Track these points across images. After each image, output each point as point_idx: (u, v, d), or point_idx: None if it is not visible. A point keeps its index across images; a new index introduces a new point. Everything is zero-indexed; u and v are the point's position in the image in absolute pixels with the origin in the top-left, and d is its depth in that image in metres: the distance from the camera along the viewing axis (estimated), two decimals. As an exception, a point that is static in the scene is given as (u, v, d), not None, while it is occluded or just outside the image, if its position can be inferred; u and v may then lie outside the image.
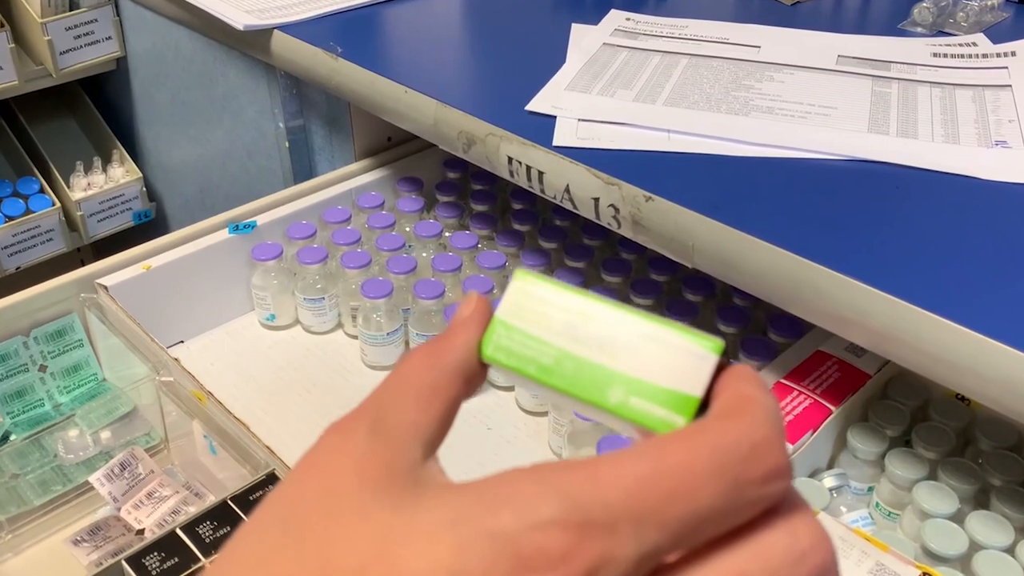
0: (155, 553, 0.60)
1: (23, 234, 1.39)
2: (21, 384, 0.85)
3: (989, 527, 0.60)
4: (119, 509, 0.75)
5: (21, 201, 1.42)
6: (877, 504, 0.67)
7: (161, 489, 0.76)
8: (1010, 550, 0.59)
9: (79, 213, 1.45)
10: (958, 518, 0.62)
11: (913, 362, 0.56)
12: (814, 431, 0.65)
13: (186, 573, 0.59)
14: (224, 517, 0.63)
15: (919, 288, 0.55)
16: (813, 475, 0.67)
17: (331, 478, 0.23)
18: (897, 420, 0.69)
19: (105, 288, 0.86)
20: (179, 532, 0.62)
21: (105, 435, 0.82)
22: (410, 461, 0.24)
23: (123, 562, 0.60)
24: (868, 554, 0.56)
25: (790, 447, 0.63)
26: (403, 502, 0.22)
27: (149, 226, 1.55)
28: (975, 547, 0.60)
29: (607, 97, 0.80)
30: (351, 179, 1.05)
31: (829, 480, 0.66)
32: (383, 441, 0.24)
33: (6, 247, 1.37)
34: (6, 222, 1.39)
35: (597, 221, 0.71)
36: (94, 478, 0.75)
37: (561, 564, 0.20)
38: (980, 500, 0.65)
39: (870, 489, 0.69)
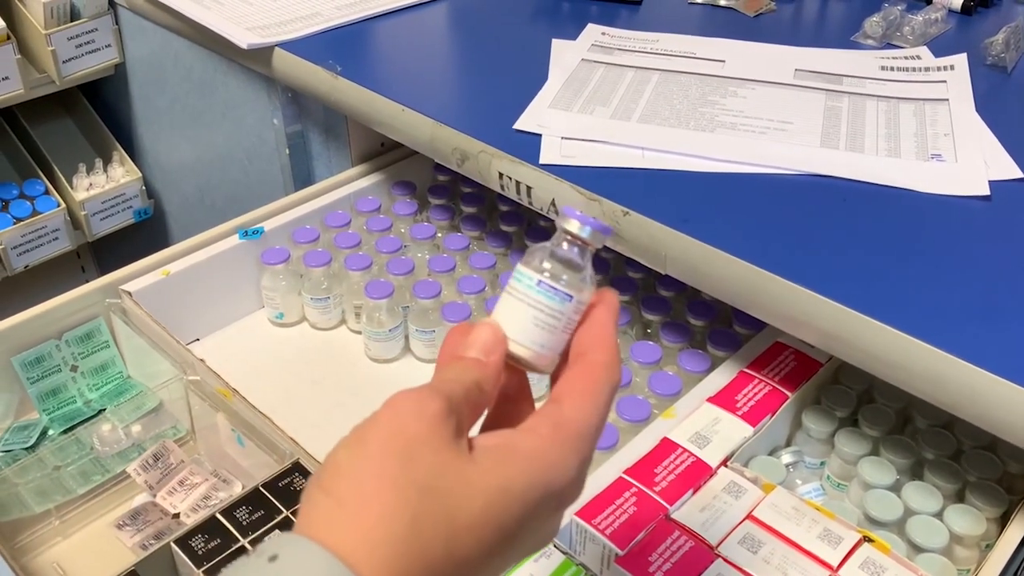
0: (199, 536, 0.69)
1: (31, 234, 1.45)
2: (55, 383, 0.93)
3: (921, 495, 0.70)
4: (155, 496, 0.83)
5: (28, 203, 1.49)
6: (828, 477, 0.77)
7: (192, 477, 0.84)
8: (939, 515, 0.69)
9: (83, 212, 1.51)
10: (896, 488, 0.72)
11: (852, 358, 0.65)
12: (772, 414, 0.75)
13: (228, 552, 0.68)
14: (258, 502, 0.72)
15: (857, 294, 0.64)
16: (772, 452, 0.77)
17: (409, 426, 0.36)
18: (846, 403, 0.79)
19: (128, 293, 0.94)
20: (219, 516, 0.71)
21: (136, 429, 0.90)
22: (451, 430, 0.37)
23: (172, 544, 0.69)
24: (818, 521, 0.65)
25: (752, 429, 0.73)
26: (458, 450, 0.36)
27: (149, 223, 1.62)
28: (909, 513, 0.69)
29: (586, 115, 0.89)
30: (349, 184, 1.13)
31: (786, 456, 0.76)
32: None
33: (15, 247, 1.43)
34: (15, 223, 1.45)
35: (580, 232, 0.80)
36: (131, 468, 0.83)
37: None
38: (916, 472, 0.75)
39: (822, 463, 0.78)
